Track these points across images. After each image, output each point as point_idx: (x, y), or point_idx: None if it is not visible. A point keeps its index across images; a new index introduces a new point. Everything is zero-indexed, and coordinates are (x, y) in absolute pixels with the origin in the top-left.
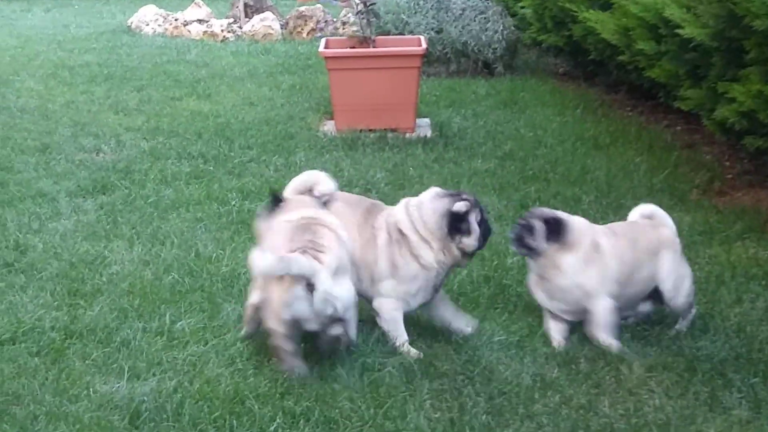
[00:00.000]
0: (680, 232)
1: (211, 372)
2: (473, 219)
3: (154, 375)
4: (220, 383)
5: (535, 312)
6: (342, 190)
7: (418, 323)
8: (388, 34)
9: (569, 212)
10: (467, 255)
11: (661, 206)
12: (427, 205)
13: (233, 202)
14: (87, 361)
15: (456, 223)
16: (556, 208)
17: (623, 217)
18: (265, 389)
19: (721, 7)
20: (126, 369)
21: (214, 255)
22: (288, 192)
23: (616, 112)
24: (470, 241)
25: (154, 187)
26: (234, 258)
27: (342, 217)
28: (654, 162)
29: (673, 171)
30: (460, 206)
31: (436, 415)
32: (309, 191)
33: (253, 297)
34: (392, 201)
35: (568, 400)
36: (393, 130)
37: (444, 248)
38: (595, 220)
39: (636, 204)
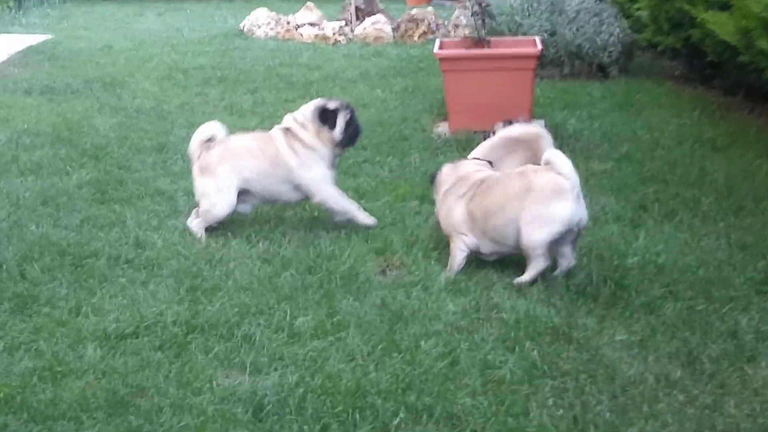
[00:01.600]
0: None
1: (332, 367)
2: (341, 117)
3: (275, 369)
4: (342, 378)
5: (656, 311)
6: None
7: (536, 322)
8: (502, 36)
9: (690, 214)
10: (338, 145)
11: None
12: (306, 105)
13: None
14: (209, 355)
15: (324, 117)
16: (675, 210)
17: (744, 219)
18: (387, 385)
19: None
20: (248, 363)
21: (333, 252)
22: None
23: (735, 115)
24: (335, 134)
25: None
26: (352, 255)
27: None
28: None
29: None
30: (329, 104)
31: (559, 413)
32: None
33: None
34: None
35: (693, 400)
36: None
37: (318, 134)
38: (715, 222)
39: (757, 206)
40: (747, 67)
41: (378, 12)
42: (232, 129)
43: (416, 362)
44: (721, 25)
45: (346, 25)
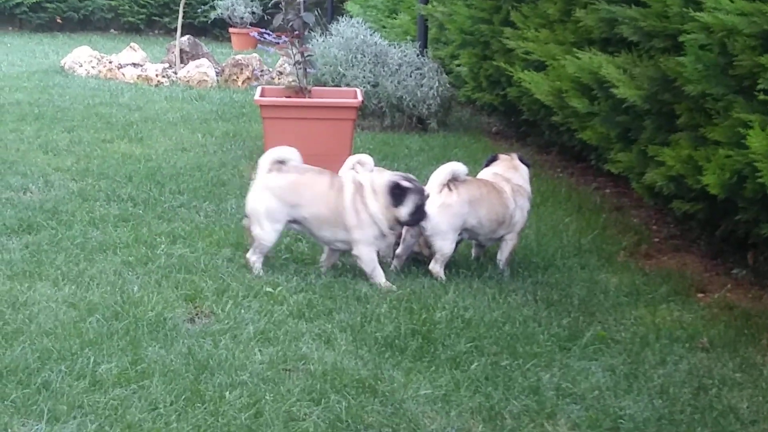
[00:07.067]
0: (607, 293)
1: (133, 417)
2: (413, 198)
3: (74, 418)
4: (142, 428)
5: (462, 366)
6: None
7: (342, 374)
8: (325, 86)
9: (498, 270)
10: (400, 223)
11: (588, 266)
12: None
13: (162, 247)
14: (6, 402)
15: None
16: (485, 265)
17: (552, 276)
18: None
19: (655, 69)
20: (46, 411)
21: (141, 298)
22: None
23: (547, 173)
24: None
25: (81, 228)
26: (161, 302)
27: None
28: (583, 223)
29: (601, 233)
30: (404, 183)
31: None
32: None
33: None
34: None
35: None
36: None
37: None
38: (523, 279)
39: (564, 263)
40: (560, 127)
41: (203, 56)
42: (46, 167)
43: (220, 413)
44: (536, 84)
45: (170, 67)
